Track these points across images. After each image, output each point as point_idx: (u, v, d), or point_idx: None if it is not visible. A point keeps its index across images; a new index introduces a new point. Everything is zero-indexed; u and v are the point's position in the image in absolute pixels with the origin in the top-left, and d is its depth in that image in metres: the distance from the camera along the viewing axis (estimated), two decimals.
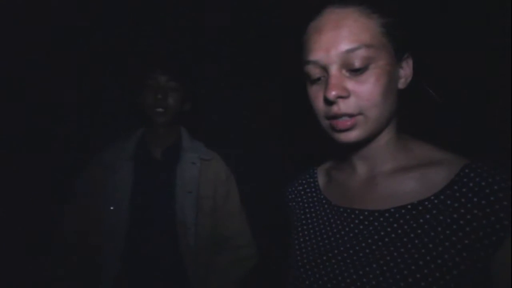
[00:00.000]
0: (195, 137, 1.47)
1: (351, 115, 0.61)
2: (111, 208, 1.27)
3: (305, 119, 0.81)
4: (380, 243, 0.61)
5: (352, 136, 0.62)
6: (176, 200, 1.29)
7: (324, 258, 0.68)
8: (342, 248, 0.66)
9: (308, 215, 0.79)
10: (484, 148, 1.21)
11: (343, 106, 0.60)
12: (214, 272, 1.34)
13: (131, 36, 1.78)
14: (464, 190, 0.57)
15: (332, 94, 0.59)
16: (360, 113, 0.61)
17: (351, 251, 0.65)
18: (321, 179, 0.83)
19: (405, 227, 0.60)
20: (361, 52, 0.58)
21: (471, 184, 0.57)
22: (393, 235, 0.61)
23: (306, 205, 0.81)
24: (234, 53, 1.85)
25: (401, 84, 0.66)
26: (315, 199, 0.80)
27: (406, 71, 0.66)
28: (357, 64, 0.59)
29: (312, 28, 0.64)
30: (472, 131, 1.31)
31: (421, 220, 0.59)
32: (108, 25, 1.76)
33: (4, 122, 1.66)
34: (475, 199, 0.56)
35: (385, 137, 0.68)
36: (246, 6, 1.77)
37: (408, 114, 0.75)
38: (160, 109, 1.29)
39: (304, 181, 0.85)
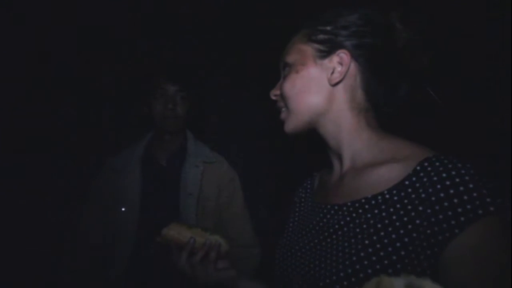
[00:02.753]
0: (201, 139, 1.53)
1: (284, 108, 0.74)
2: (123, 209, 1.35)
3: None
4: (334, 236, 0.64)
5: (285, 126, 0.74)
6: (180, 202, 1.35)
7: (292, 250, 0.72)
8: (306, 241, 0.70)
9: (296, 214, 0.83)
10: (484, 148, 1.20)
11: (280, 101, 0.75)
12: None
13: (142, 47, 1.88)
14: (417, 185, 0.56)
15: (271, 93, 0.78)
16: (286, 106, 0.73)
17: (311, 244, 0.68)
18: (316, 182, 0.86)
19: (357, 221, 0.61)
20: (286, 57, 0.73)
21: (425, 179, 0.55)
22: (345, 229, 0.62)
23: (300, 206, 0.84)
24: (236, 54, 1.91)
25: (335, 77, 0.67)
26: (308, 200, 0.84)
27: (334, 63, 0.68)
28: (282, 65, 0.76)
29: None
30: (472, 131, 1.30)
31: (371, 214, 0.60)
32: (119, 37, 1.86)
33: (23, 125, 1.76)
34: (431, 192, 0.54)
35: (344, 134, 0.69)
36: (247, 10, 1.81)
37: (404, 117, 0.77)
38: (170, 118, 1.37)
39: (307, 184, 0.89)
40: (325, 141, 0.73)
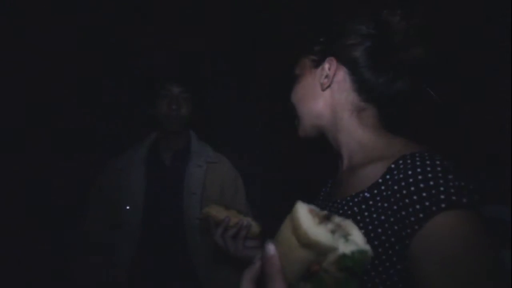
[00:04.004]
0: (204, 139, 1.55)
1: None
2: (127, 208, 1.36)
3: None
4: None
5: (299, 132, 0.81)
6: (183, 202, 1.37)
7: None
8: None
9: None
10: (484, 148, 1.21)
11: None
12: (223, 271, 1.40)
13: (146, 48, 1.89)
14: (390, 183, 0.58)
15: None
16: (296, 112, 0.80)
17: None
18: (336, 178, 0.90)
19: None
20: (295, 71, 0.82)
21: (395, 177, 0.57)
22: None
23: (317, 201, 0.89)
24: (237, 56, 1.92)
25: (325, 83, 0.72)
26: (326, 197, 0.87)
27: (326, 70, 0.73)
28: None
29: None
30: (472, 131, 1.31)
31: (353, 212, 0.63)
32: (123, 37, 1.87)
33: (25, 125, 1.77)
34: (393, 193, 0.56)
35: (342, 134, 0.73)
36: (249, 13, 1.83)
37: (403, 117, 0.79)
38: (174, 119, 1.39)
39: (328, 183, 0.92)
40: (329, 142, 0.78)
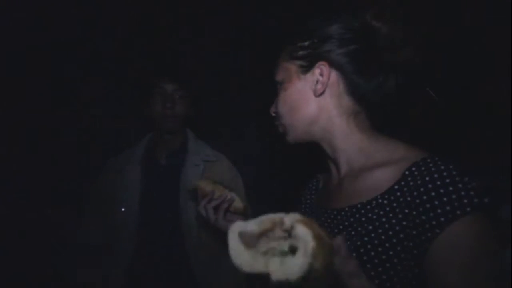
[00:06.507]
0: (202, 138, 1.53)
1: (280, 123, 0.78)
2: (122, 209, 1.34)
3: None
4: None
5: (287, 139, 0.78)
6: (180, 201, 1.35)
7: None
8: None
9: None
10: (484, 148, 1.21)
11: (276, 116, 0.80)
12: (220, 272, 1.39)
13: (140, 45, 1.88)
14: (405, 189, 0.59)
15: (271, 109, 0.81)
16: (281, 120, 0.77)
17: None
18: (320, 184, 0.88)
19: (355, 225, 0.64)
20: (277, 76, 0.78)
21: (411, 183, 0.58)
22: (344, 233, 0.65)
23: (305, 208, 0.88)
24: (236, 55, 1.91)
25: (319, 89, 0.71)
26: (312, 201, 0.87)
27: (316, 76, 0.71)
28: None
29: None
30: (471, 131, 1.31)
31: (367, 218, 0.62)
32: (117, 35, 1.86)
33: (23, 125, 1.75)
34: (412, 198, 0.57)
35: (339, 142, 0.72)
36: (246, 11, 1.82)
37: (401, 118, 0.78)
38: (169, 118, 1.36)
39: (310, 185, 0.91)
40: (321, 147, 0.76)
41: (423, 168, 0.58)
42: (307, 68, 0.72)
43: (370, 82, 0.69)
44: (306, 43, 0.71)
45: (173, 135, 1.44)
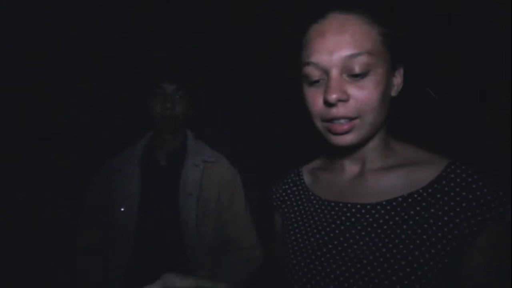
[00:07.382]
0: (202, 138, 1.52)
1: (349, 118, 0.63)
2: (122, 209, 1.33)
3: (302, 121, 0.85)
4: (373, 235, 0.64)
5: (348, 139, 0.65)
6: (179, 202, 1.34)
7: (319, 253, 0.69)
8: (335, 242, 0.68)
9: (297, 213, 0.80)
10: (484, 148, 1.21)
11: (342, 109, 0.63)
12: (220, 273, 1.38)
13: (140, 45, 1.87)
14: (452, 184, 0.61)
15: (333, 97, 0.61)
16: (357, 117, 0.63)
17: (345, 244, 0.67)
18: (307, 178, 0.84)
19: (397, 218, 0.63)
20: (362, 59, 0.60)
21: (458, 180, 0.61)
22: (385, 227, 0.64)
23: (294, 203, 0.83)
24: (237, 55, 1.91)
25: (394, 92, 0.70)
26: (302, 196, 0.82)
27: (398, 80, 0.70)
28: (358, 69, 0.61)
29: (315, 31, 0.65)
30: (471, 131, 1.31)
31: (412, 212, 0.63)
32: (117, 35, 1.85)
33: (22, 124, 1.75)
34: (464, 193, 0.60)
35: (376, 140, 0.72)
36: (248, 9, 1.82)
37: (401, 118, 0.78)
38: (168, 118, 1.35)
39: (289, 180, 0.88)
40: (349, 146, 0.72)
41: (463, 168, 0.62)
42: (396, 66, 0.68)
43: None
44: (396, 34, 0.65)
45: (173, 135, 1.44)
